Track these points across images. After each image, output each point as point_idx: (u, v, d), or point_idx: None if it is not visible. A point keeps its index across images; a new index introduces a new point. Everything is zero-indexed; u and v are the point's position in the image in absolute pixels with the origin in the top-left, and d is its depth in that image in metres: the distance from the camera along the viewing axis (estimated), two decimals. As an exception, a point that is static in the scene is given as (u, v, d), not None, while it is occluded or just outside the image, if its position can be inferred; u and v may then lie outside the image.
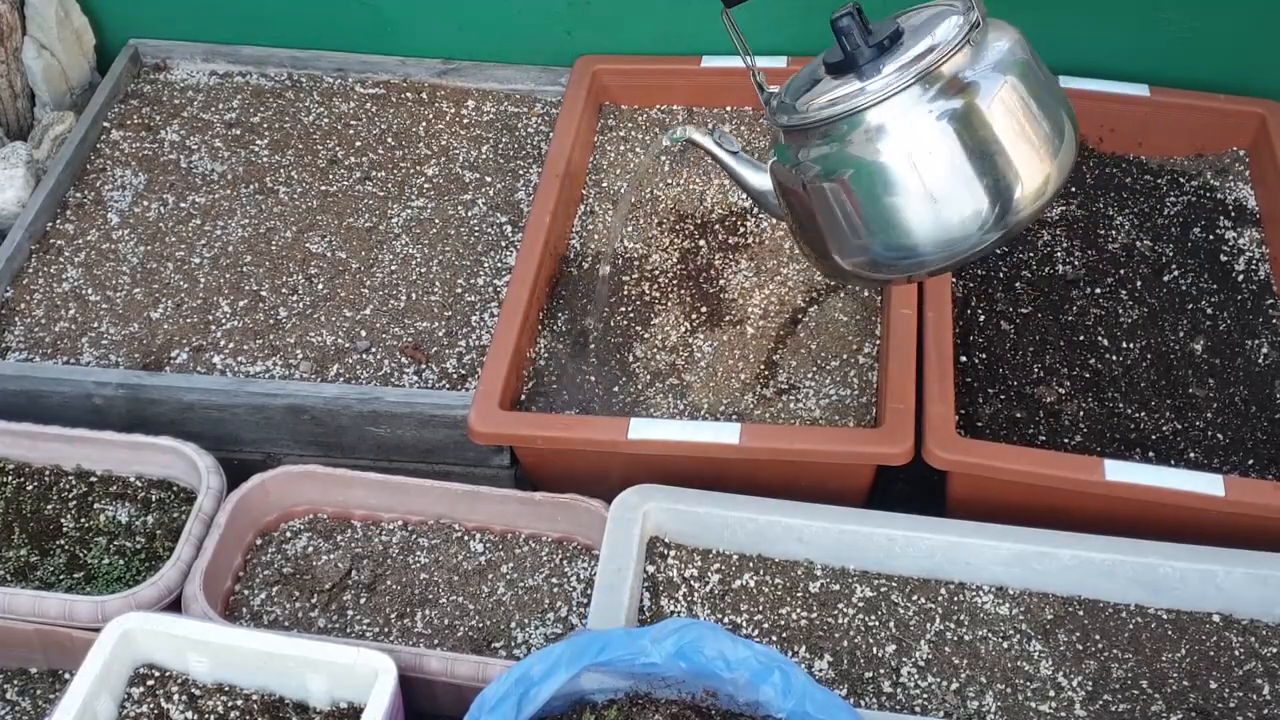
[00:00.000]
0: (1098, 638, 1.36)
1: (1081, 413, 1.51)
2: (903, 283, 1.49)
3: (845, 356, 1.57)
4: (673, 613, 1.37)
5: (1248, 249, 1.69)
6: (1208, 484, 1.38)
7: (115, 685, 1.29)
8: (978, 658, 1.34)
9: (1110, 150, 1.82)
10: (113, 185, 1.84)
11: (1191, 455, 1.48)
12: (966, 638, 1.36)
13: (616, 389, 1.56)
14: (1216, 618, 1.37)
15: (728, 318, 1.63)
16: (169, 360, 1.63)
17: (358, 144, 1.89)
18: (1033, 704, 1.31)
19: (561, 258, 1.71)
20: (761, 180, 1.32)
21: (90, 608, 1.34)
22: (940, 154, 1.17)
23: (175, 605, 1.38)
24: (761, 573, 1.41)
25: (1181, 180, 1.78)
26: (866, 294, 1.63)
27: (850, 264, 1.26)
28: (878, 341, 1.57)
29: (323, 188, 1.83)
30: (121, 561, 1.46)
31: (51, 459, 1.55)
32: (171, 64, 2.01)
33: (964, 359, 1.56)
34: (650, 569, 1.40)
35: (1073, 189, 1.76)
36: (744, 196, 1.63)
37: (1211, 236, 1.71)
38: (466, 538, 1.50)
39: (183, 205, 1.81)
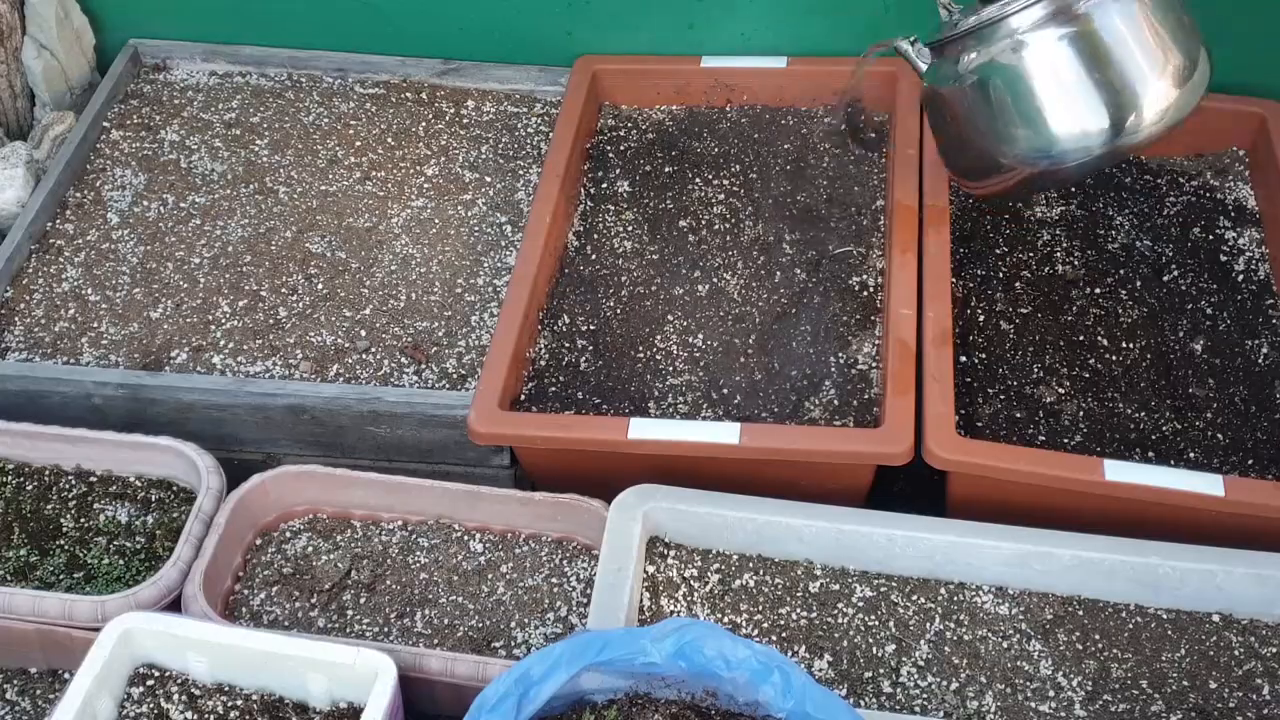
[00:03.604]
0: (1098, 638, 1.36)
1: (1081, 413, 1.51)
2: (1038, 189, 1.70)
3: (845, 356, 1.57)
4: (673, 613, 1.37)
5: (1247, 249, 1.69)
6: (1208, 484, 1.38)
7: (115, 685, 1.29)
8: (978, 658, 1.34)
9: (1110, 150, 1.82)
10: (113, 185, 1.84)
11: (1191, 455, 1.48)
12: (966, 638, 1.36)
13: (616, 388, 1.56)
14: (1216, 618, 1.37)
15: (728, 317, 1.63)
16: (169, 360, 1.63)
17: (358, 144, 1.89)
18: (1033, 704, 1.31)
19: (561, 258, 1.71)
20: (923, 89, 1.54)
21: (90, 607, 1.34)
22: (1065, 62, 1.38)
23: (175, 605, 1.38)
24: (761, 573, 1.41)
25: (1181, 180, 1.78)
26: (866, 294, 1.63)
27: (997, 160, 1.45)
28: (878, 341, 1.57)
29: (322, 188, 1.83)
30: (121, 561, 1.46)
31: (51, 459, 1.55)
32: (171, 64, 2.01)
33: (964, 359, 1.56)
34: (650, 569, 1.40)
35: (1073, 189, 1.76)
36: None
37: (1211, 236, 1.71)
38: (466, 538, 1.50)
39: (183, 205, 1.81)
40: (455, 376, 1.60)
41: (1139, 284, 1.65)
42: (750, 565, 1.42)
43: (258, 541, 1.50)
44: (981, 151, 1.47)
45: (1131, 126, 1.39)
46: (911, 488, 1.55)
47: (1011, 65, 1.40)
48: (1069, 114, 1.40)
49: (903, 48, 1.54)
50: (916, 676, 1.33)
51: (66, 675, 1.42)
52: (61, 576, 1.45)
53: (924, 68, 1.52)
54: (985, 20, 1.41)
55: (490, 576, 1.47)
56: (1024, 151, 1.43)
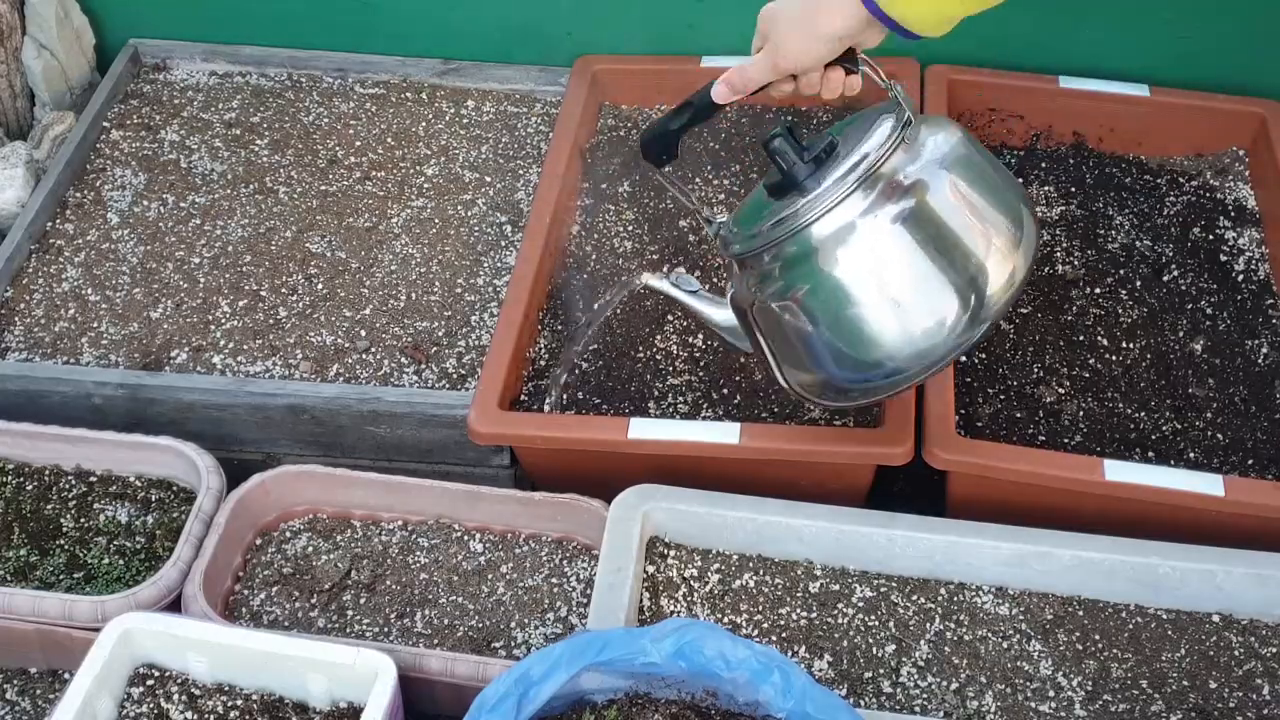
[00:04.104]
0: (1097, 638, 1.36)
1: (1081, 413, 1.51)
2: (885, 399, 1.35)
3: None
4: (673, 613, 1.37)
5: (1247, 249, 1.69)
6: (1207, 484, 1.38)
7: (115, 685, 1.29)
8: (977, 658, 1.34)
9: (1110, 150, 1.82)
10: (113, 185, 1.84)
11: (1191, 455, 1.48)
12: (966, 638, 1.36)
13: (616, 388, 1.56)
14: (1216, 618, 1.37)
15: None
16: (169, 360, 1.63)
17: (358, 144, 1.89)
18: (1032, 704, 1.31)
19: (561, 258, 1.71)
20: (724, 315, 1.29)
21: (90, 608, 1.34)
22: (894, 256, 1.15)
23: (175, 605, 1.38)
24: (761, 573, 1.41)
25: (1181, 180, 1.78)
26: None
27: (827, 383, 1.22)
28: (877, 341, 1.57)
29: (323, 188, 1.83)
30: (121, 561, 1.46)
31: (51, 459, 1.55)
32: (171, 64, 2.01)
33: (964, 359, 1.56)
34: (650, 569, 1.40)
35: (1072, 189, 1.76)
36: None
37: (1211, 236, 1.71)
38: (466, 538, 1.50)
39: (183, 205, 1.81)
40: (455, 376, 1.60)
41: (1139, 284, 1.65)
42: (750, 565, 1.42)
43: (258, 541, 1.50)
44: (815, 372, 1.23)
45: (986, 305, 1.16)
46: (911, 488, 1.55)
47: (837, 267, 1.15)
48: (923, 308, 1.16)
49: (655, 284, 1.33)
50: (916, 676, 1.33)
51: (66, 675, 1.42)
52: (61, 576, 1.45)
53: (687, 299, 1.31)
54: (797, 225, 1.16)
55: (490, 576, 1.47)
56: (866, 365, 1.19)
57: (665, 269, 1.30)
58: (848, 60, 1.19)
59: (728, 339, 1.31)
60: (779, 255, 1.18)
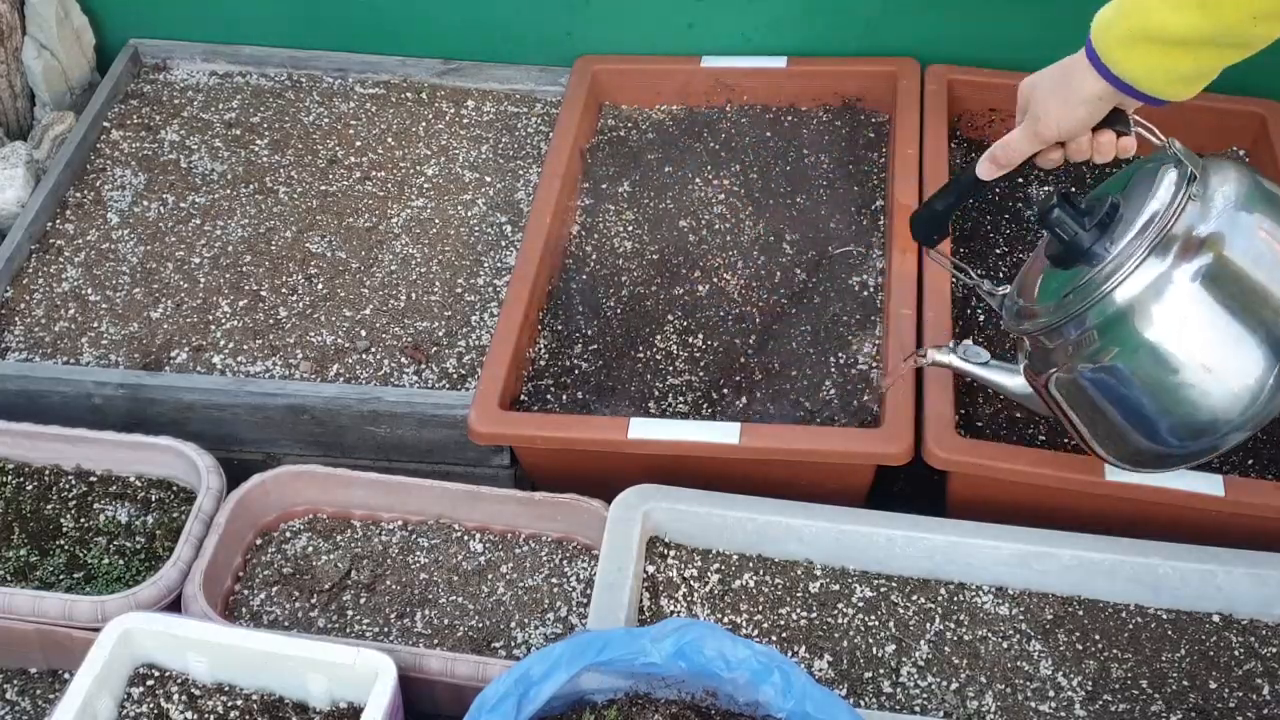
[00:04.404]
0: (1098, 638, 1.36)
1: (1082, 413, 1.51)
2: (1212, 455, 1.24)
3: (845, 356, 1.57)
4: (673, 613, 1.37)
5: (1248, 249, 1.69)
6: (1208, 484, 1.38)
7: (115, 685, 1.29)
8: (977, 658, 1.34)
9: (1110, 150, 1.81)
10: (113, 185, 1.84)
11: (1192, 455, 1.48)
12: (966, 638, 1.36)
13: (616, 388, 1.56)
14: (1216, 618, 1.37)
15: (728, 317, 1.63)
16: (169, 360, 1.63)
17: (358, 144, 1.89)
18: (1032, 704, 1.31)
19: (562, 258, 1.71)
20: (1018, 383, 1.27)
21: (90, 608, 1.34)
22: (1200, 317, 1.11)
23: (175, 605, 1.38)
24: (761, 573, 1.41)
25: (1182, 180, 1.77)
26: (866, 294, 1.63)
27: (1149, 450, 1.19)
28: (878, 341, 1.57)
29: (323, 188, 1.83)
30: (121, 561, 1.46)
31: (51, 459, 1.55)
32: (171, 64, 2.01)
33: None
34: (650, 569, 1.40)
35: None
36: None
37: (1212, 236, 1.70)
38: (466, 538, 1.50)
39: (183, 205, 1.81)
40: (455, 376, 1.60)
41: (1139, 284, 1.65)
42: (750, 565, 1.42)
43: (258, 541, 1.50)
44: (1137, 438, 1.20)
45: None
46: (911, 488, 1.55)
47: (1145, 333, 1.12)
48: (1235, 365, 1.11)
49: (942, 360, 1.31)
50: (916, 676, 1.33)
51: (66, 675, 1.42)
52: (61, 576, 1.45)
53: (981, 371, 1.30)
54: (1100, 294, 1.12)
55: (490, 576, 1.47)
56: (1191, 427, 1.15)
57: (952, 343, 1.31)
58: (1118, 123, 1.15)
59: (1025, 405, 1.30)
60: (1082, 326, 1.15)
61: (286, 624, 1.43)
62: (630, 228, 1.74)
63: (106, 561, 1.46)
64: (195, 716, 1.29)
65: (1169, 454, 1.19)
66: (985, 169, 1.22)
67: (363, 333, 1.65)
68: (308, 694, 1.30)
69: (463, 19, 1.93)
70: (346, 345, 1.64)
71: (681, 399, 1.55)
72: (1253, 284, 1.11)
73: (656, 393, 1.56)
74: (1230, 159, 1.20)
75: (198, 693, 1.30)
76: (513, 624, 1.42)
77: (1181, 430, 1.16)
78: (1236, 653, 1.34)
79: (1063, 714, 1.30)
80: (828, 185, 1.77)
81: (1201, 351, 1.11)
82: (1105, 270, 1.12)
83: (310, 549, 1.49)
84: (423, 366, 1.61)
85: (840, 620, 1.37)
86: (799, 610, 1.38)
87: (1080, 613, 1.38)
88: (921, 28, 1.83)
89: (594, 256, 1.71)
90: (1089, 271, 1.14)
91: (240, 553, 1.48)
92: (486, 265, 1.73)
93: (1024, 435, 1.49)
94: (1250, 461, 1.47)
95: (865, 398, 1.49)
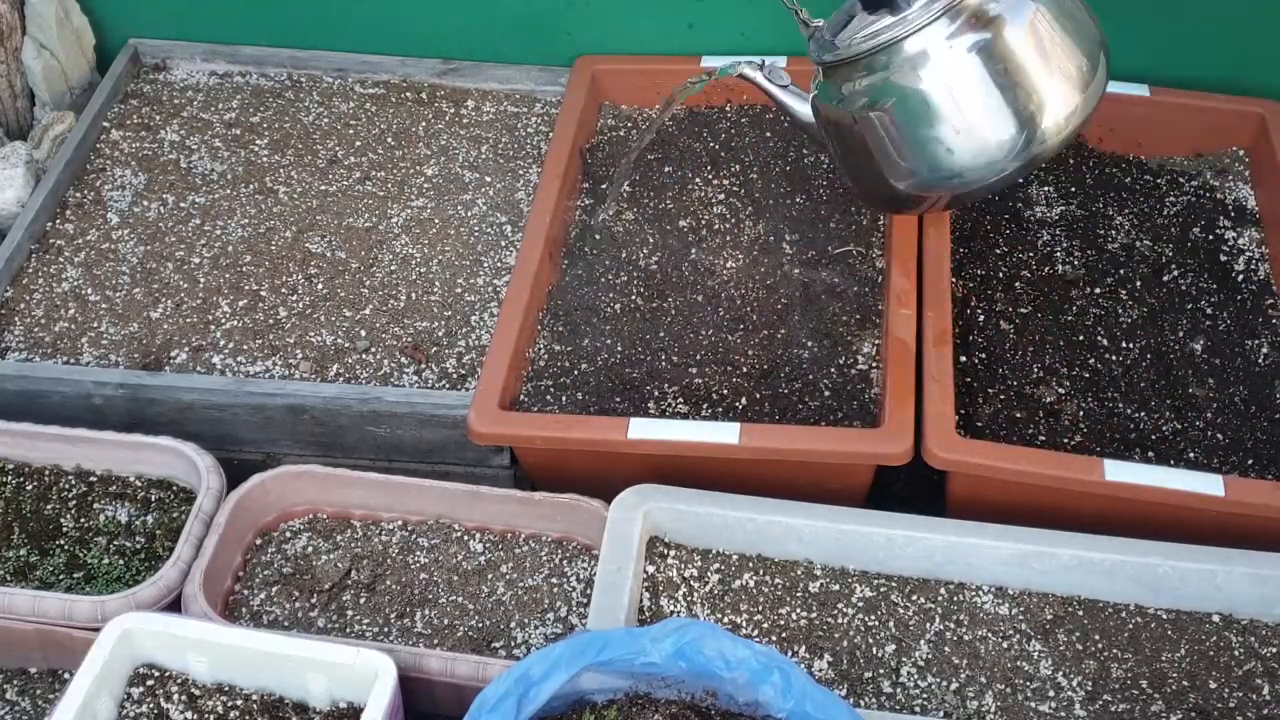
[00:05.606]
0: (1097, 638, 1.36)
1: (1081, 413, 1.51)
2: (940, 208, 1.53)
3: (845, 356, 1.57)
4: (672, 613, 1.37)
5: (1247, 249, 1.69)
6: (1208, 484, 1.38)
7: (115, 685, 1.29)
8: (977, 658, 1.34)
9: (1110, 150, 1.82)
10: (113, 185, 1.84)
11: (1191, 455, 1.48)
12: (966, 638, 1.36)
13: (616, 388, 1.56)
14: (1216, 618, 1.37)
15: (727, 317, 1.63)
16: (169, 360, 1.63)
17: (358, 144, 1.89)
18: (1032, 704, 1.31)
19: (562, 258, 1.71)
20: (805, 110, 1.43)
21: (90, 607, 1.34)
22: (965, 83, 1.28)
23: (175, 605, 1.38)
24: (761, 573, 1.41)
25: (1181, 180, 1.78)
26: (866, 294, 1.63)
27: (894, 187, 1.36)
28: (878, 341, 1.57)
29: (323, 188, 1.83)
30: (121, 561, 1.46)
31: (51, 459, 1.55)
32: (171, 64, 2.01)
33: (964, 359, 1.56)
34: (650, 569, 1.40)
35: (1072, 189, 1.76)
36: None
37: (1211, 236, 1.71)
38: (466, 538, 1.50)
39: (182, 205, 1.81)
40: (455, 376, 1.60)
41: (1139, 284, 1.65)
42: (750, 565, 1.42)
43: (258, 541, 1.50)
44: (883, 180, 1.38)
45: (1040, 137, 1.30)
46: (911, 488, 1.55)
47: (914, 86, 1.29)
48: (984, 132, 1.30)
49: (749, 74, 1.45)
50: (916, 676, 1.33)
51: (66, 675, 1.42)
52: (61, 576, 1.45)
53: (778, 93, 1.44)
54: (884, 41, 1.29)
55: (490, 576, 1.47)
56: (933, 178, 1.34)
57: (762, 60, 1.45)
58: None
59: (807, 133, 1.46)
60: (869, 66, 1.30)
61: (286, 624, 1.43)
62: (630, 228, 1.74)
63: (106, 561, 1.46)
64: (195, 716, 1.29)
65: (904, 196, 1.39)
66: None
67: (363, 333, 1.65)
68: (308, 694, 1.30)
69: (463, 19, 1.93)
70: (346, 345, 1.64)
71: (681, 399, 1.55)
72: (1017, 66, 1.28)
73: (656, 393, 1.56)
74: None
75: (198, 693, 1.30)
76: (513, 624, 1.42)
77: (921, 178, 1.34)
78: (1236, 653, 1.34)
79: (1063, 714, 1.30)
80: (828, 185, 1.77)
81: (956, 114, 1.29)
82: (901, 20, 1.28)
83: (310, 549, 1.49)
84: (423, 366, 1.61)
85: (840, 620, 1.37)
86: (799, 610, 1.38)
87: (1080, 613, 1.38)
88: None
89: (594, 256, 1.71)
90: (889, 19, 1.29)
91: (240, 553, 1.48)
92: (486, 265, 1.73)
93: (1024, 435, 1.49)
94: (1250, 461, 1.48)
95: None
